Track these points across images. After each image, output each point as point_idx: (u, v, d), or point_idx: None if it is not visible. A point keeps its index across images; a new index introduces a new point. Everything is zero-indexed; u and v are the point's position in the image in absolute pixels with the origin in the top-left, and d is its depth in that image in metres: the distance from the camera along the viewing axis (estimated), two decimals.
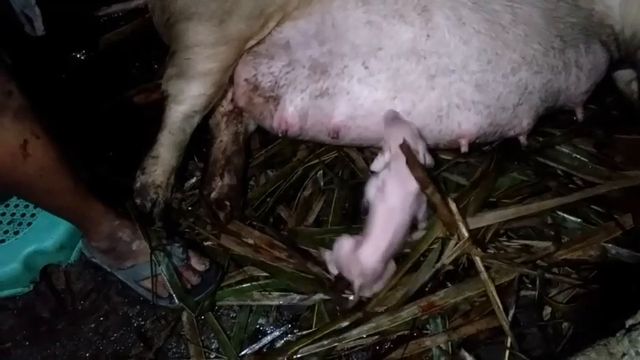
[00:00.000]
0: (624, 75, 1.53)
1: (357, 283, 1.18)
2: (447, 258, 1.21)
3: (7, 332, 1.28)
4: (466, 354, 1.15)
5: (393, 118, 1.26)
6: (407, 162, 1.18)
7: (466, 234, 1.20)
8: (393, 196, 1.18)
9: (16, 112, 0.94)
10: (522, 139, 1.38)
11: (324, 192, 1.43)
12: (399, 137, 1.20)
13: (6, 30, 1.16)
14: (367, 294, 1.21)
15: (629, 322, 0.61)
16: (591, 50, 1.37)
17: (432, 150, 1.39)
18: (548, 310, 1.19)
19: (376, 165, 1.24)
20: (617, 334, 0.59)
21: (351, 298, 1.20)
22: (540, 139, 1.47)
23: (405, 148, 1.19)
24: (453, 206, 1.21)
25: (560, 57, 1.33)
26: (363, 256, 1.16)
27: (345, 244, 1.19)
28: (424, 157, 1.22)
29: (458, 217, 1.20)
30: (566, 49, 1.34)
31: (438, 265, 1.21)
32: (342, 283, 1.20)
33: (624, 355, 0.51)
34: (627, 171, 1.38)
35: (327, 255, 1.26)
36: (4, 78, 0.93)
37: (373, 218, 1.18)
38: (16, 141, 0.95)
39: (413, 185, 1.18)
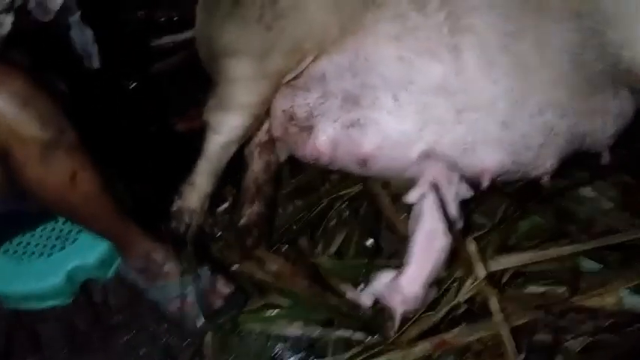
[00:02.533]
0: None
1: (399, 311, 1.21)
2: (463, 296, 1.24)
3: (46, 341, 1.37)
4: None
5: (427, 154, 1.31)
6: (435, 201, 1.22)
7: (483, 274, 1.22)
8: (432, 221, 1.22)
9: (68, 147, 1.05)
10: (545, 180, 1.39)
11: (348, 224, 1.48)
12: (434, 169, 1.26)
13: (65, 63, 1.29)
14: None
15: None
16: (619, 96, 1.37)
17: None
18: (560, 357, 1.19)
19: (412, 196, 1.28)
20: None
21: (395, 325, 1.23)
22: (564, 181, 1.47)
23: (433, 187, 1.23)
24: (472, 246, 1.24)
25: (586, 101, 1.34)
26: (404, 283, 1.20)
27: (384, 275, 1.24)
28: (458, 187, 1.26)
29: (475, 257, 1.23)
30: (593, 93, 1.34)
31: (454, 302, 1.24)
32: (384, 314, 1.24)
33: None
34: None
35: (349, 292, 1.30)
36: (60, 116, 1.04)
37: (414, 244, 1.22)
38: (66, 173, 1.07)
39: (452, 214, 1.22)
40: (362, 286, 1.31)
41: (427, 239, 1.22)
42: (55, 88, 1.14)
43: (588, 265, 1.31)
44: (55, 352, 1.36)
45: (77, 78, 1.30)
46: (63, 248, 1.44)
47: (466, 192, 1.27)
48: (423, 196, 1.25)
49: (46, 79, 1.07)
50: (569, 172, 1.48)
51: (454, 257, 1.28)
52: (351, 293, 1.31)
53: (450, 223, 1.21)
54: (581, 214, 1.41)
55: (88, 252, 1.42)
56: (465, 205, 1.29)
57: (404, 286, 1.20)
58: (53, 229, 1.48)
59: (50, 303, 1.42)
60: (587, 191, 1.45)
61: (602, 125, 1.37)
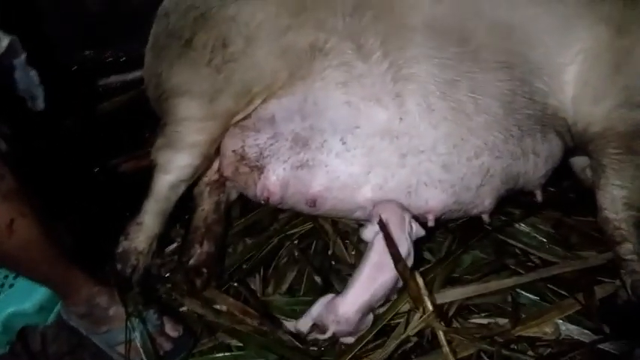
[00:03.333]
0: (579, 161, 1.65)
1: (331, 329, 1.24)
2: (412, 330, 1.27)
3: None
4: None
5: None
6: (385, 238, 1.26)
7: (431, 308, 1.26)
8: (378, 257, 1.27)
9: (5, 194, 1.01)
10: (485, 217, 1.47)
11: (298, 262, 1.50)
12: (387, 208, 1.31)
13: (9, 105, 1.26)
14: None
15: None
16: (547, 139, 1.47)
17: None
18: None
19: (366, 234, 1.34)
20: None
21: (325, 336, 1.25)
22: (502, 217, 1.56)
23: (382, 225, 1.28)
24: (420, 281, 1.28)
25: (518, 144, 1.43)
26: (342, 304, 1.23)
27: (325, 300, 1.27)
28: (410, 226, 1.31)
29: (424, 291, 1.27)
30: (523, 137, 1.44)
31: (403, 336, 1.26)
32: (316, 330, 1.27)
33: None
34: (582, 251, 1.47)
35: (286, 324, 1.33)
36: None
37: (359, 273, 1.26)
38: (3, 220, 1.02)
39: (404, 249, 1.27)
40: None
41: (373, 271, 1.26)
42: None
43: (526, 296, 1.38)
44: None
45: (20, 120, 1.28)
46: None
47: (420, 231, 1.33)
48: (377, 233, 1.30)
49: None
50: (505, 209, 1.57)
51: (401, 291, 1.32)
52: (288, 324, 1.33)
53: (398, 260, 1.26)
54: (518, 248, 1.49)
55: (25, 298, 1.35)
56: (416, 243, 1.34)
57: (339, 307, 1.24)
58: None
59: None
60: (522, 227, 1.54)
61: (533, 166, 1.47)
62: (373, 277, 1.26)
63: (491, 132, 1.41)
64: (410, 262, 1.30)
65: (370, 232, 1.33)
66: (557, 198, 1.64)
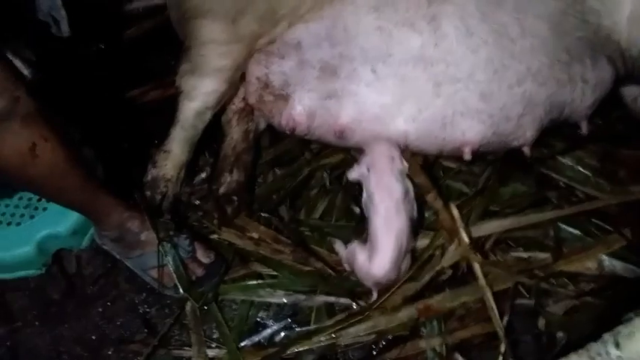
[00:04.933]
0: (631, 91, 1.54)
1: (374, 290, 1.23)
2: (447, 262, 1.24)
3: (19, 312, 1.33)
4: (460, 357, 1.18)
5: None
6: (409, 170, 1.21)
7: (467, 240, 1.22)
8: (383, 207, 1.21)
9: (24, 116, 0.98)
10: (526, 149, 1.39)
11: (329, 192, 1.46)
12: (376, 147, 1.24)
13: (32, 30, 1.22)
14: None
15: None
16: (597, 65, 1.38)
17: (436, 157, 1.43)
18: (543, 320, 1.21)
19: (352, 174, 1.28)
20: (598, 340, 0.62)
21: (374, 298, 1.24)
22: (544, 150, 1.48)
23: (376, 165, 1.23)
24: (455, 213, 1.24)
25: (565, 70, 1.34)
26: (374, 270, 1.19)
27: (358, 255, 1.22)
28: (398, 163, 1.25)
29: (460, 223, 1.23)
30: (572, 62, 1.35)
31: (438, 268, 1.24)
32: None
33: (598, 355, 0.53)
34: (629, 185, 1.39)
35: (338, 245, 1.30)
36: (12, 85, 0.97)
37: (373, 231, 1.21)
38: (25, 144, 1.00)
39: (398, 191, 1.21)
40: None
41: (384, 222, 1.20)
42: (11, 56, 1.07)
43: (568, 231, 1.32)
44: (27, 322, 1.31)
45: (45, 46, 1.24)
46: (32, 217, 1.38)
47: (403, 167, 1.26)
48: (366, 177, 1.24)
49: None
50: (548, 141, 1.49)
51: (436, 224, 1.28)
52: (339, 247, 1.30)
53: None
54: (561, 181, 1.43)
55: (59, 221, 1.37)
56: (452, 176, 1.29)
57: (373, 271, 1.19)
58: (21, 198, 1.43)
59: (21, 273, 1.37)
60: (566, 160, 1.46)
61: (580, 94, 1.39)
62: (389, 229, 1.19)
63: (536, 57, 1.31)
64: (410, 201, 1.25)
65: (356, 172, 1.27)
66: (605, 130, 1.55)
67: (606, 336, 0.52)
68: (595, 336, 0.65)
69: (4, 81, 0.95)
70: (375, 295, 1.23)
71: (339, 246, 1.30)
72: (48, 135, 1.02)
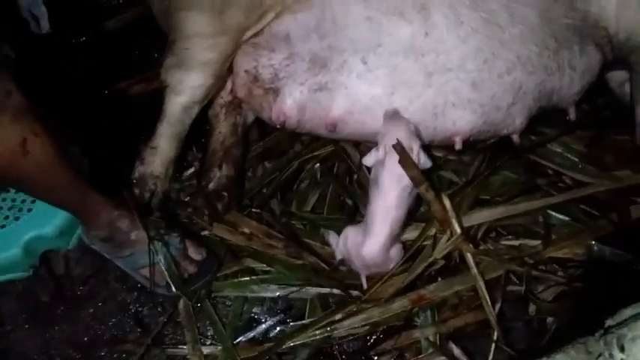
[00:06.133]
0: (617, 76, 1.56)
1: (362, 275, 1.24)
2: (440, 253, 1.24)
3: (8, 315, 1.30)
4: (453, 346, 1.19)
5: (392, 116, 1.28)
6: (400, 161, 1.20)
7: (459, 230, 1.23)
8: (389, 194, 1.20)
9: (15, 111, 0.96)
10: (515, 137, 1.40)
11: (320, 185, 1.46)
12: (395, 135, 1.22)
13: (11, 27, 1.18)
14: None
15: (608, 323, 0.64)
16: (585, 52, 1.39)
17: (427, 147, 1.43)
18: (534, 306, 1.22)
19: (368, 160, 1.26)
20: (596, 334, 0.62)
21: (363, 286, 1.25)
22: (533, 137, 1.49)
23: (398, 147, 1.21)
24: (447, 203, 1.24)
25: (554, 58, 1.35)
26: (364, 251, 1.20)
27: (350, 236, 1.23)
28: (418, 157, 1.23)
29: (451, 213, 1.23)
30: (560, 50, 1.35)
31: (430, 259, 1.24)
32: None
33: (600, 355, 0.54)
34: (616, 171, 1.41)
35: (331, 237, 1.30)
36: (5, 78, 0.95)
37: (372, 214, 1.21)
38: (15, 139, 0.97)
39: (407, 183, 1.20)
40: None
41: (385, 211, 1.20)
42: None
43: (558, 218, 1.34)
44: (17, 326, 1.29)
45: (25, 42, 1.20)
46: (17, 219, 1.35)
47: (426, 161, 1.24)
48: (380, 162, 1.23)
49: None
50: (536, 129, 1.50)
51: (427, 215, 1.29)
52: (332, 238, 1.30)
53: (421, 182, 1.20)
54: (550, 168, 1.44)
55: (45, 221, 1.34)
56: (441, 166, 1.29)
57: (363, 252, 1.20)
58: (4, 200, 1.39)
59: (8, 276, 1.34)
60: (554, 147, 1.47)
61: (569, 81, 1.39)
62: (387, 215, 1.20)
63: (525, 45, 1.31)
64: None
65: (373, 157, 1.25)
66: (592, 116, 1.56)
67: (609, 337, 0.53)
68: (584, 323, 0.66)
69: None
70: (364, 281, 1.23)
71: (331, 237, 1.30)
72: (38, 130, 1.00)
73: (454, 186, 1.40)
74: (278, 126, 1.38)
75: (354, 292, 1.25)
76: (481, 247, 1.28)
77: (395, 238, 1.22)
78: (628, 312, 0.57)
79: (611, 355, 0.52)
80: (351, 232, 1.24)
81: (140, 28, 1.80)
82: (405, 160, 1.20)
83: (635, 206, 1.32)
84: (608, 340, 0.53)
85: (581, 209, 1.34)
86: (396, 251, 1.24)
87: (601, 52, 1.41)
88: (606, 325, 0.65)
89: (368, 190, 1.36)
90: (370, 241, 1.19)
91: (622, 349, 0.51)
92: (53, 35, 1.31)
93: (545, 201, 1.32)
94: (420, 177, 1.20)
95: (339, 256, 1.28)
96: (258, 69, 1.36)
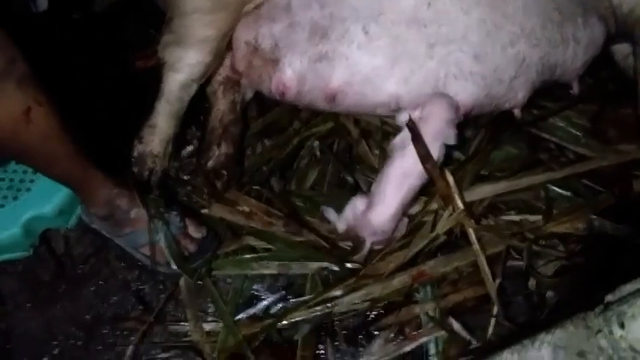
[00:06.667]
0: (622, 49, 1.53)
1: (368, 242, 1.23)
2: (442, 228, 1.24)
3: (9, 295, 1.31)
4: (453, 321, 1.19)
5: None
6: (412, 137, 1.19)
7: (461, 206, 1.22)
8: (408, 161, 1.20)
9: (19, 78, 0.94)
10: (517, 111, 1.38)
11: (320, 162, 1.45)
12: (442, 104, 1.21)
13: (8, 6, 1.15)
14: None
15: (608, 298, 0.64)
16: (589, 24, 1.36)
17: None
18: (534, 280, 1.22)
19: (401, 117, 1.25)
20: (596, 309, 0.62)
21: (363, 252, 1.25)
22: (535, 111, 1.47)
23: (411, 123, 1.20)
24: (451, 179, 1.23)
25: (558, 30, 1.32)
26: (374, 216, 1.19)
27: (358, 203, 1.23)
28: (448, 130, 1.22)
29: (455, 190, 1.23)
30: (564, 22, 1.33)
31: (432, 235, 1.24)
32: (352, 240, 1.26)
33: (599, 331, 0.54)
34: (619, 145, 1.39)
35: (330, 213, 1.30)
36: (8, 45, 0.93)
37: (384, 180, 1.20)
38: (19, 108, 0.96)
39: (433, 155, 1.20)
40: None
41: (401, 176, 1.20)
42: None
43: (558, 192, 1.33)
44: (19, 306, 1.29)
45: (22, 20, 1.18)
46: (16, 198, 1.35)
47: (452, 138, 1.23)
48: (409, 125, 1.21)
49: None
50: (538, 103, 1.48)
51: (429, 189, 1.28)
52: (331, 215, 1.30)
53: (427, 160, 1.19)
54: (552, 143, 1.42)
55: (44, 201, 1.34)
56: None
57: (372, 220, 1.20)
58: (3, 180, 1.38)
59: (8, 256, 1.34)
60: (556, 121, 1.46)
61: (572, 54, 1.37)
62: (402, 183, 1.19)
63: (528, 17, 1.29)
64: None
65: (406, 116, 1.24)
66: (595, 89, 1.54)
67: (609, 313, 0.52)
68: (585, 298, 0.66)
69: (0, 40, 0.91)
70: (366, 250, 1.23)
71: (330, 213, 1.30)
72: (42, 100, 0.99)
73: (455, 162, 1.38)
74: (278, 98, 1.36)
75: (355, 265, 1.25)
76: (482, 223, 1.27)
77: (405, 209, 1.22)
78: (628, 288, 0.57)
79: (610, 332, 0.51)
80: (359, 201, 1.24)
81: (138, 5, 1.77)
82: (416, 136, 1.18)
83: (637, 180, 1.31)
84: (607, 317, 0.52)
85: (583, 184, 1.33)
86: (402, 223, 1.24)
87: (605, 25, 1.38)
88: (606, 300, 0.64)
89: (371, 163, 1.36)
90: (381, 208, 1.19)
91: (622, 325, 0.50)
92: (49, 13, 1.29)
93: (546, 176, 1.31)
94: (428, 154, 1.19)
95: (342, 228, 1.27)
96: (258, 39, 1.34)
